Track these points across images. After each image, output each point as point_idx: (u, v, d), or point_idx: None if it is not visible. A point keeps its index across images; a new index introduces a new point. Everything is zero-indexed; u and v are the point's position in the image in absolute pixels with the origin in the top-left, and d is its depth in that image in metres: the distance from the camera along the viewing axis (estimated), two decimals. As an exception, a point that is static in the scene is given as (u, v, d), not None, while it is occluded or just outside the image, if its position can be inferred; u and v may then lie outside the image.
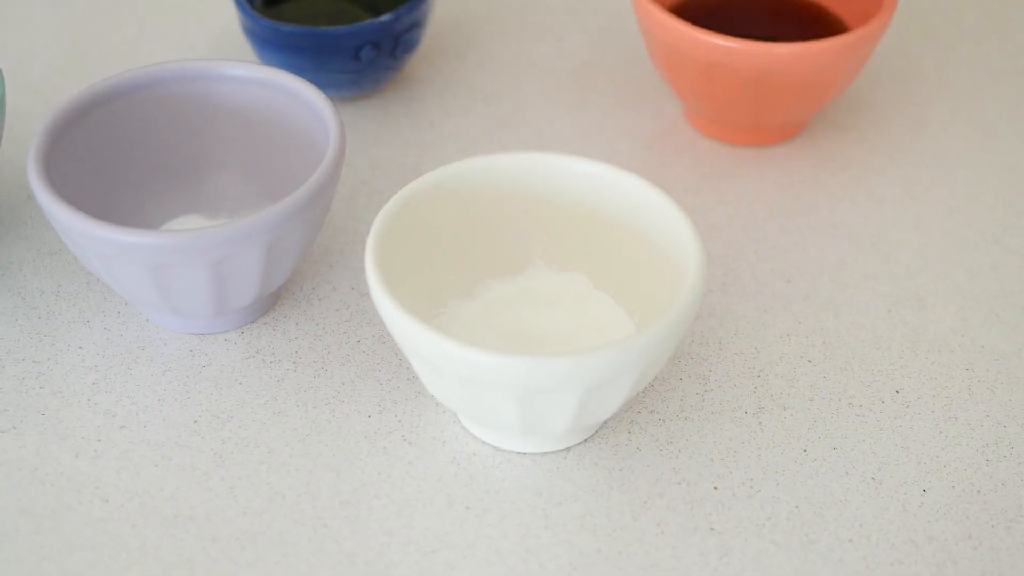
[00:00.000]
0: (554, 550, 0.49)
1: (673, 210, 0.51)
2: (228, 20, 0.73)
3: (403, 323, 0.47)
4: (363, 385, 0.54)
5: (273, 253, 0.53)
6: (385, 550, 0.49)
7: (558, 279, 0.55)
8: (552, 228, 0.55)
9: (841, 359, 0.55)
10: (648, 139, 0.66)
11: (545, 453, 0.52)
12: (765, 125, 0.64)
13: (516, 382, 0.46)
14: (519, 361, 0.46)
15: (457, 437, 0.52)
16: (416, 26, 0.66)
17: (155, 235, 0.50)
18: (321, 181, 0.53)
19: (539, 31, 0.73)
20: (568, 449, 0.52)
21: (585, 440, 0.52)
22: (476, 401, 0.48)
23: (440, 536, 0.49)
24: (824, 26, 0.66)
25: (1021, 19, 0.74)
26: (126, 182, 0.58)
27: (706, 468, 0.51)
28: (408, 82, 0.69)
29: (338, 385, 0.54)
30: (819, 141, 0.66)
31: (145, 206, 0.58)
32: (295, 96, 0.57)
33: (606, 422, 0.53)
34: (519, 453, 0.52)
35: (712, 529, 0.49)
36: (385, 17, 0.64)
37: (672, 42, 0.61)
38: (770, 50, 0.59)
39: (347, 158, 0.65)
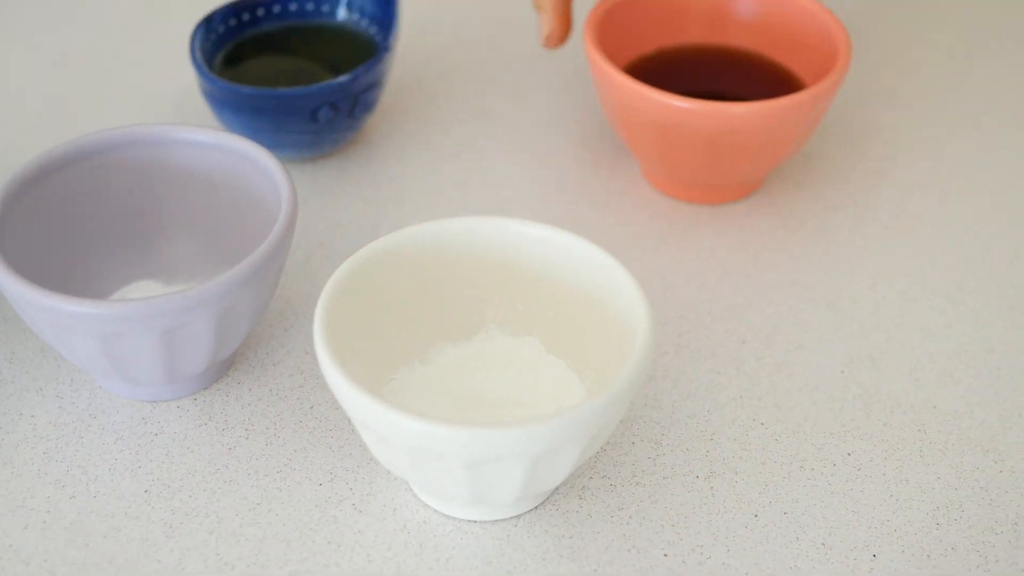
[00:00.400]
0: (503, 620, 0.49)
1: (623, 275, 0.51)
2: (189, 80, 0.73)
3: (349, 393, 0.47)
4: (315, 452, 0.54)
5: (225, 320, 0.53)
6: (334, 621, 0.49)
7: (511, 343, 0.55)
8: (505, 292, 0.55)
9: (793, 421, 0.55)
10: (606, 197, 0.66)
11: (496, 521, 0.52)
12: (722, 184, 0.64)
13: (464, 452, 0.46)
14: (466, 432, 0.46)
15: (408, 504, 0.52)
16: (374, 86, 0.66)
17: (103, 305, 0.50)
18: (272, 248, 0.53)
19: (499, 88, 0.73)
20: (519, 516, 0.52)
21: (536, 507, 0.52)
22: (425, 470, 0.48)
23: (389, 606, 0.49)
24: (780, 82, 0.66)
25: (977, 74, 0.74)
26: (81, 248, 0.58)
27: (656, 534, 0.51)
28: (367, 140, 0.70)
29: (290, 452, 0.54)
30: (776, 198, 0.66)
31: (100, 272, 0.58)
32: (249, 160, 0.57)
33: (557, 488, 0.53)
34: (470, 521, 0.52)
35: (662, 597, 0.49)
36: (343, 78, 0.65)
37: (626, 102, 0.61)
38: (724, 111, 0.60)
39: (305, 219, 0.65)
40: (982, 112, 0.71)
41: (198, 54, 0.66)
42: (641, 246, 0.64)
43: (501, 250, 0.54)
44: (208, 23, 0.68)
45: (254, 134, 0.66)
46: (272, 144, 0.67)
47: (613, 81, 0.61)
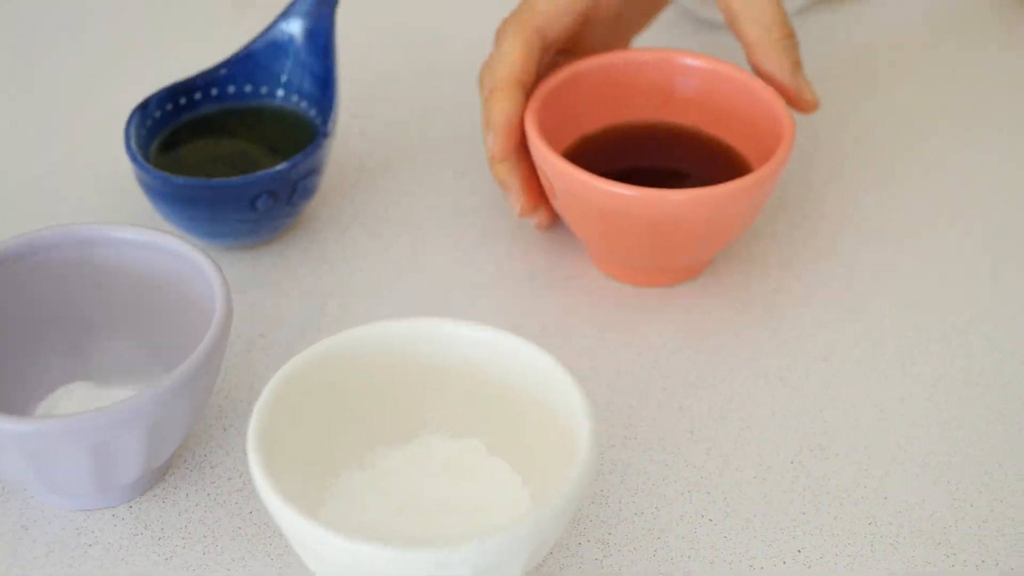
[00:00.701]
0: None
1: (565, 377, 0.50)
2: (124, 168, 0.72)
3: (283, 513, 0.46)
4: (253, 561, 0.53)
5: (157, 431, 0.51)
6: None
7: (454, 446, 0.54)
8: (446, 394, 0.53)
9: (743, 516, 0.54)
10: (553, 280, 0.65)
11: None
12: (668, 267, 0.64)
13: (405, 571, 0.45)
14: (406, 554, 0.45)
15: (349, 616, 0.51)
16: (313, 172, 0.65)
17: (27, 422, 0.49)
18: (204, 356, 0.51)
19: (441, 166, 0.72)
20: (464, 626, 0.51)
21: (481, 615, 0.51)
22: (364, 585, 0.47)
23: None
24: (725, 160, 0.65)
25: (926, 143, 0.73)
26: (7, 353, 0.56)
27: (604, 642, 0.50)
28: (308, 225, 0.68)
29: (228, 562, 0.53)
30: (724, 278, 0.65)
31: (29, 376, 0.57)
32: (182, 260, 0.56)
33: (503, 594, 0.51)
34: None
35: None
36: (281, 166, 0.63)
37: (568, 188, 0.61)
38: (665, 198, 0.59)
39: (244, 310, 0.64)
40: (930, 182, 0.71)
41: (133, 142, 0.65)
42: (588, 331, 0.63)
43: (442, 352, 0.53)
44: (144, 109, 0.67)
45: (191, 224, 0.65)
46: (209, 233, 0.66)
47: (555, 167, 0.60)
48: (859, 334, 0.62)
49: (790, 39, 0.64)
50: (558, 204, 0.62)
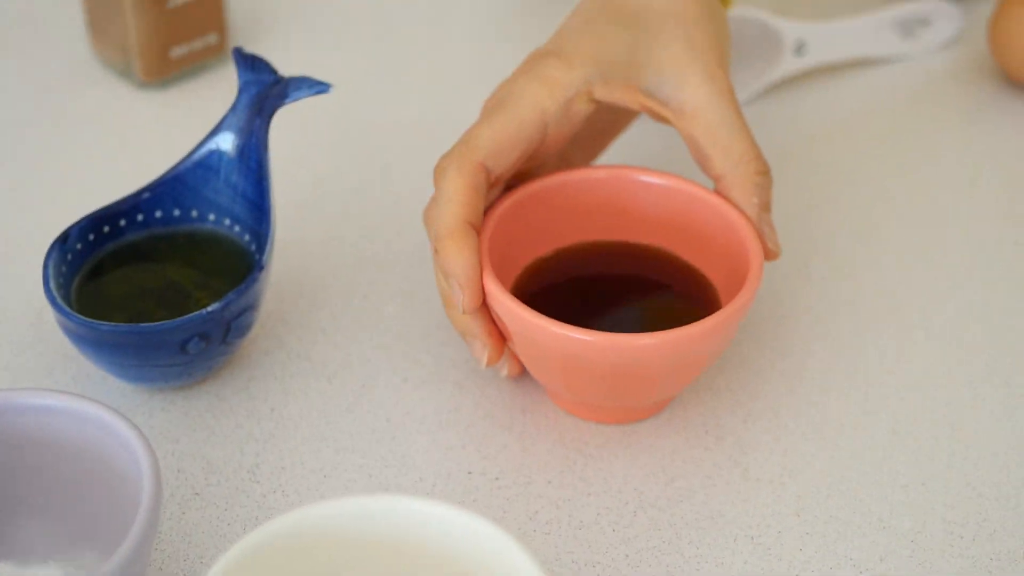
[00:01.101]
0: None
1: (525, 559, 0.46)
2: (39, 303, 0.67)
3: None
4: None
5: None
6: None
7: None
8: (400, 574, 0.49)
9: None
10: (508, 416, 0.61)
11: None
12: (630, 407, 0.60)
13: None
14: None
15: None
16: (249, 308, 0.61)
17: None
18: (132, 551, 0.47)
19: (387, 289, 0.67)
20: None
21: None
22: None
23: None
24: (688, 280, 0.62)
25: (889, 262, 0.70)
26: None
27: None
28: (246, 359, 0.64)
29: None
30: (691, 411, 0.61)
31: (-58, 563, 0.52)
32: (105, 430, 0.52)
33: None
34: None
35: None
36: (213, 307, 0.59)
37: (521, 331, 0.56)
38: (629, 343, 0.55)
39: (178, 462, 0.59)
40: (899, 294, 0.67)
41: (52, 282, 0.60)
42: (548, 476, 0.58)
43: (391, 533, 0.49)
44: (63, 242, 0.62)
45: (117, 369, 0.60)
46: (137, 378, 0.61)
47: (509, 310, 0.56)
48: (833, 478, 0.58)
49: (763, 176, 0.60)
50: (513, 346, 0.58)
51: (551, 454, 0.59)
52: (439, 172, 0.58)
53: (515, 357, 0.60)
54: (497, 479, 0.58)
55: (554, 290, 0.62)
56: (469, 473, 0.59)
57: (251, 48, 0.83)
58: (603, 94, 0.60)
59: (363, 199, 0.73)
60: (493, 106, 0.60)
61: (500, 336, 0.59)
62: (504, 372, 0.60)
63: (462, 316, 0.58)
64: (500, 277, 0.58)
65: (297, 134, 0.76)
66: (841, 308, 0.66)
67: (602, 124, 0.66)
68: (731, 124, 0.60)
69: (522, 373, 0.61)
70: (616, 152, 0.70)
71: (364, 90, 0.80)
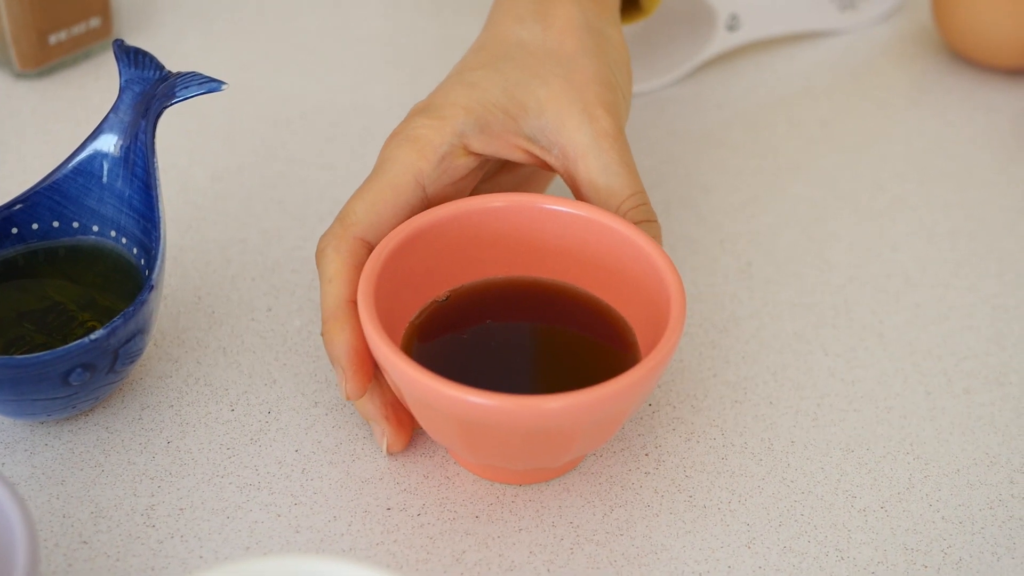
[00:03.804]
0: None
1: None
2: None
3: None
4: None
5: None
6: None
7: None
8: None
9: None
10: (429, 445, 0.55)
11: None
12: (544, 469, 0.54)
13: None
14: None
15: None
16: (139, 333, 0.55)
17: None
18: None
19: (294, 301, 0.61)
20: None
21: None
22: None
23: None
24: (596, 316, 0.56)
25: (836, 258, 0.65)
26: None
27: None
28: (137, 386, 0.58)
29: None
30: (628, 430, 0.56)
31: None
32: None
33: None
34: None
35: None
36: (97, 334, 0.52)
37: (418, 395, 0.50)
38: (539, 406, 0.48)
39: (63, 505, 0.53)
40: (849, 294, 0.63)
41: (-85, 310, 0.54)
42: (475, 510, 0.53)
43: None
44: (-70, 262, 0.56)
45: (-4, 405, 0.54)
46: (16, 412, 0.55)
47: (404, 374, 0.50)
48: (785, 511, 0.54)
49: (649, 224, 0.55)
50: (410, 408, 0.52)
51: (477, 484, 0.54)
52: (319, 254, 0.55)
53: (403, 427, 0.55)
54: (419, 515, 0.53)
55: (451, 341, 0.55)
56: (388, 509, 0.53)
57: (137, 33, 0.77)
58: (479, 146, 0.56)
59: (265, 200, 0.67)
60: (369, 175, 0.56)
61: (404, 418, 0.54)
62: (383, 448, 0.55)
63: (360, 403, 0.54)
64: (390, 327, 0.52)
65: (191, 126, 0.70)
66: (786, 311, 0.61)
67: (526, 170, 0.61)
68: (610, 169, 0.56)
69: (406, 447, 0.56)
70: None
71: (262, 80, 0.73)
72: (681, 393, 0.58)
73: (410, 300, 0.56)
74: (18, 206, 0.58)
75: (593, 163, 0.56)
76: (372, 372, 0.53)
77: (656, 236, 0.56)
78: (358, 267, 0.54)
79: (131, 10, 0.78)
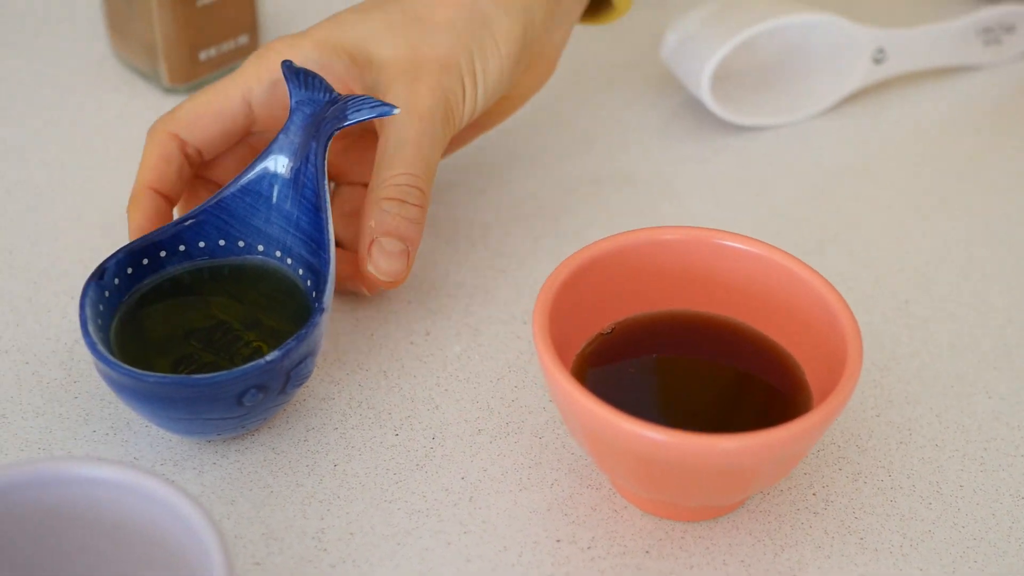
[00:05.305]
0: None
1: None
2: (72, 346, 0.61)
3: None
4: None
5: None
6: None
7: None
8: None
9: None
10: (594, 476, 0.55)
11: None
12: (709, 507, 0.54)
13: None
14: None
15: None
16: (309, 355, 0.55)
17: None
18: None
19: (450, 326, 0.62)
20: None
21: None
22: None
23: None
24: (775, 364, 0.55)
25: (994, 297, 0.65)
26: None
27: None
28: (301, 407, 0.58)
29: None
30: (794, 469, 0.56)
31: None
32: (169, 509, 0.46)
33: None
34: None
35: None
36: (272, 356, 0.53)
37: (596, 428, 0.50)
38: (714, 445, 0.48)
39: (235, 527, 0.53)
40: (1010, 334, 0.62)
41: (90, 324, 0.54)
42: (645, 545, 0.53)
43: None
44: (100, 278, 0.56)
45: (164, 421, 0.54)
46: (187, 431, 0.55)
47: (579, 405, 0.50)
48: (958, 558, 0.53)
49: (394, 203, 0.57)
50: (579, 437, 0.52)
51: (645, 519, 0.54)
52: (146, 136, 0.60)
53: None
54: (589, 548, 0.53)
55: (618, 374, 0.55)
56: (558, 541, 0.53)
57: (284, 49, 0.77)
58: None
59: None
60: (218, 80, 0.61)
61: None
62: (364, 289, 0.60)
63: None
64: (559, 358, 0.52)
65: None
66: (946, 351, 0.61)
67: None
68: (400, 144, 0.58)
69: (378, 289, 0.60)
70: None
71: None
72: (846, 432, 0.57)
73: (576, 331, 0.56)
74: (189, 221, 0.58)
75: (392, 134, 0.58)
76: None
77: (398, 213, 0.57)
78: (164, 157, 0.59)
79: (275, 28, 0.78)
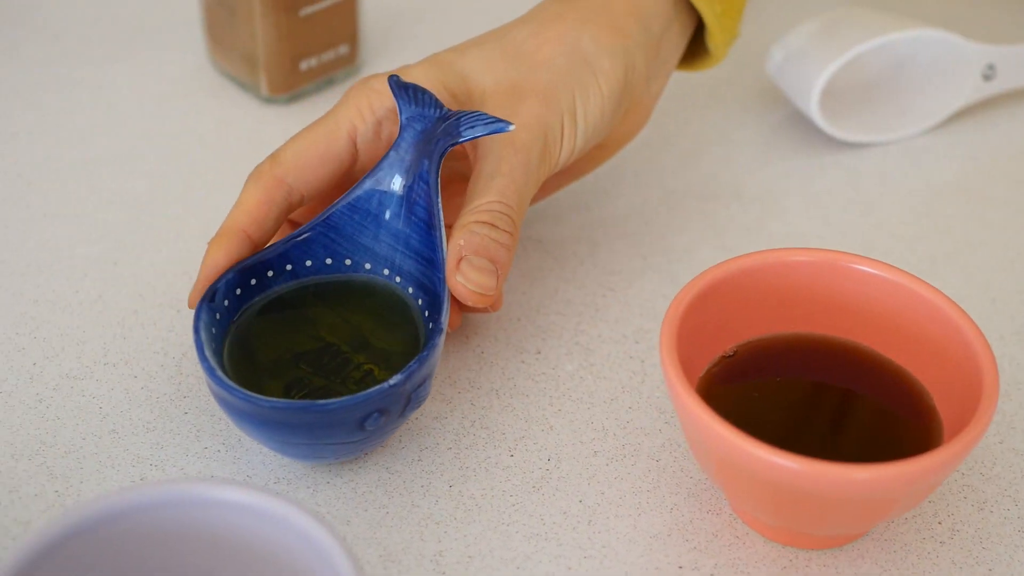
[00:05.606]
0: None
1: None
2: (179, 356, 0.60)
3: None
4: None
5: None
6: None
7: None
8: None
9: None
10: (714, 500, 0.55)
11: None
12: (835, 535, 0.53)
13: None
14: None
15: None
16: (428, 377, 0.54)
17: None
18: None
19: (562, 344, 0.61)
20: None
21: None
22: None
23: None
24: (905, 394, 0.54)
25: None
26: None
27: None
28: (415, 426, 0.57)
29: None
30: (895, 532, 0.54)
31: None
32: (292, 529, 0.45)
33: None
34: None
35: None
36: (395, 379, 0.52)
37: (727, 454, 0.49)
38: (846, 475, 0.47)
39: (352, 547, 0.53)
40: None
41: (206, 348, 0.54)
42: (769, 572, 0.52)
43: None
44: (211, 299, 0.55)
45: (280, 446, 0.54)
46: (308, 455, 0.54)
47: (709, 429, 0.49)
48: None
49: (483, 226, 0.55)
50: (705, 462, 0.52)
51: (768, 547, 0.53)
52: (246, 181, 0.58)
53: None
54: (712, 575, 0.52)
55: (742, 397, 0.55)
56: (680, 568, 0.52)
57: (380, 60, 0.77)
58: None
59: (523, 238, 0.66)
60: (318, 119, 0.59)
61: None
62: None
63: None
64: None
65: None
66: None
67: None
68: (494, 175, 0.56)
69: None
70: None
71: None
72: (969, 460, 0.56)
73: (700, 353, 0.55)
74: (298, 239, 0.57)
75: (486, 166, 0.57)
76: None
77: (486, 235, 0.55)
78: (269, 203, 0.57)
79: (374, 38, 0.78)
